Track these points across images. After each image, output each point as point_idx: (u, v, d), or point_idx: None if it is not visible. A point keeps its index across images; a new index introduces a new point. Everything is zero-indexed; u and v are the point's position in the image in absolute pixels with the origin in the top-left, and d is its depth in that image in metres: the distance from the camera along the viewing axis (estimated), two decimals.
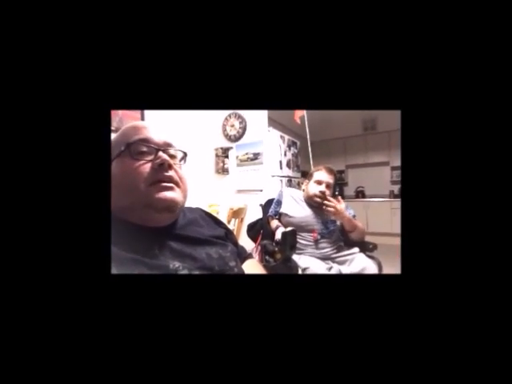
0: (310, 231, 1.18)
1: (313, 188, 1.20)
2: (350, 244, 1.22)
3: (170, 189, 0.44)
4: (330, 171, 1.21)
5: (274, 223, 1.23)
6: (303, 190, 1.29)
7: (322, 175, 1.20)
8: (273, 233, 1.21)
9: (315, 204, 1.19)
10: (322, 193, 1.16)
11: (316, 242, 1.16)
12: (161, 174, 0.44)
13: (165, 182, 0.44)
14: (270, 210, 1.30)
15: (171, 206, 0.44)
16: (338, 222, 1.20)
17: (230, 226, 1.65)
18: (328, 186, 1.18)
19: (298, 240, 1.14)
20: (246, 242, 1.43)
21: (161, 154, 0.44)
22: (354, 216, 1.24)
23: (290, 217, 1.22)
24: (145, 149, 0.45)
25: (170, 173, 0.45)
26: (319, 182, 1.19)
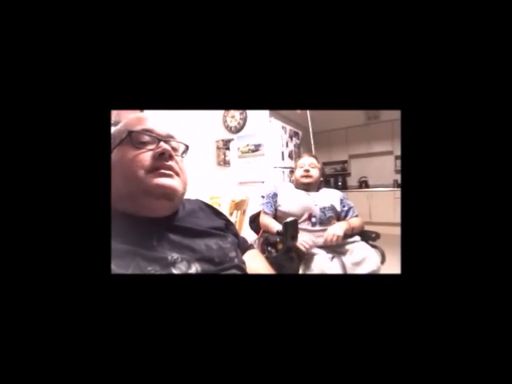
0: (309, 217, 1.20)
1: (298, 172, 1.33)
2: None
3: (169, 176, 0.44)
4: (311, 155, 1.38)
5: (268, 219, 1.25)
6: (294, 180, 1.40)
7: (303, 159, 1.35)
8: (265, 227, 1.23)
9: (304, 187, 1.29)
10: (306, 171, 1.29)
11: (313, 224, 1.18)
12: (161, 163, 0.43)
13: (164, 170, 0.43)
14: (265, 204, 1.31)
15: (170, 194, 0.43)
16: (334, 212, 1.21)
17: (232, 218, 1.65)
18: (312, 165, 1.30)
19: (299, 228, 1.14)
20: (248, 233, 1.44)
21: (162, 143, 0.44)
22: (351, 208, 1.27)
23: (289, 207, 1.22)
24: (147, 138, 0.45)
25: (171, 163, 0.44)
26: (302, 165, 1.32)
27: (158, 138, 0.45)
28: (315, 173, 1.29)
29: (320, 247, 1.12)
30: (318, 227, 1.17)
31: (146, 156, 0.43)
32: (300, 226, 1.14)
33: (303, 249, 1.02)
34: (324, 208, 1.20)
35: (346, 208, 1.26)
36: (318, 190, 1.32)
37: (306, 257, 1.05)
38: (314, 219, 1.19)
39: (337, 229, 1.09)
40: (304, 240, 1.03)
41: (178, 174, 0.46)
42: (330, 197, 1.27)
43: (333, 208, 1.22)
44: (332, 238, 1.06)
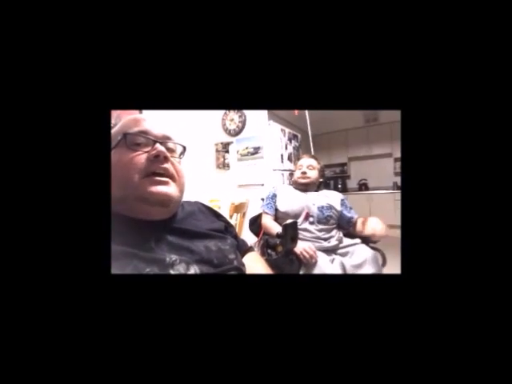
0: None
1: (296, 173, 1.34)
2: (351, 235, 1.21)
3: (164, 183, 0.43)
4: (311, 156, 1.38)
5: (269, 220, 1.25)
6: (293, 181, 1.41)
7: (302, 160, 1.37)
8: (266, 229, 1.22)
9: (302, 187, 1.30)
10: (303, 173, 1.29)
11: (311, 223, 1.17)
12: (155, 166, 0.43)
13: (159, 174, 0.43)
14: (266, 205, 1.30)
15: (164, 201, 0.43)
16: (332, 212, 1.20)
17: (232, 221, 1.65)
18: (310, 167, 1.31)
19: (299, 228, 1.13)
20: (248, 236, 1.43)
21: (157, 145, 0.44)
22: (351, 210, 1.26)
23: (288, 206, 1.22)
24: (142, 140, 0.44)
25: (166, 165, 0.44)
26: (300, 166, 1.33)
27: (154, 140, 0.44)
28: (313, 174, 1.29)
29: (321, 250, 1.11)
30: (316, 226, 1.17)
31: (141, 159, 0.42)
32: (300, 226, 1.14)
33: (304, 260, 1.00)
34: (322, 207, 1.19)
35: (349, 209, 1.25)
36: (317, 191, 1.32)
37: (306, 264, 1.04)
38: (311, 218, 1.18)
39: (378, 223, 1.05)
40: (305, 249, 1.01)
41: (173, 178, 0.45)
42: (329, 197, 1.27)
43: (331, 207, 1.21)
44: (380, 233, 1.03)
